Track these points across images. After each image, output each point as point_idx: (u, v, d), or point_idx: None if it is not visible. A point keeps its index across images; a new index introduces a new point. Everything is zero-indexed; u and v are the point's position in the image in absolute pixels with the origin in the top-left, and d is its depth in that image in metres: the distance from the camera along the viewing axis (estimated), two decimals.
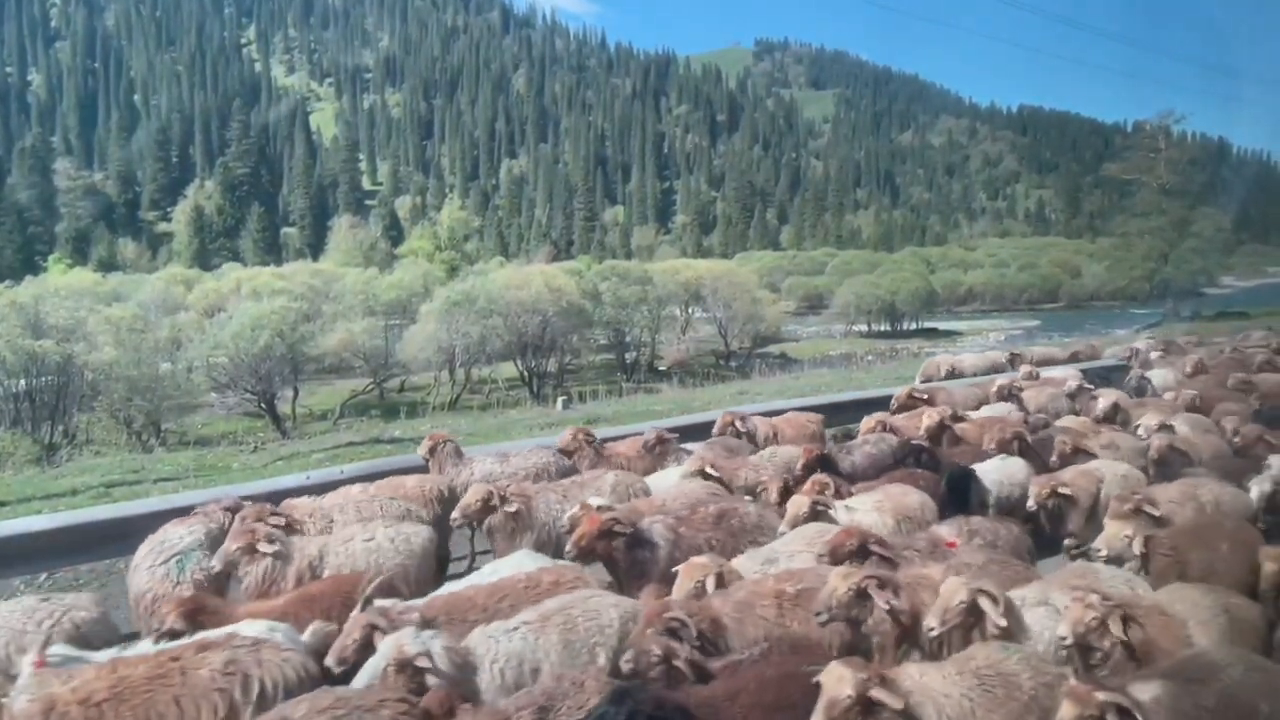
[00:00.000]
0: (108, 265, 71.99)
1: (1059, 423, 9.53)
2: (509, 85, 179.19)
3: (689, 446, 8.53)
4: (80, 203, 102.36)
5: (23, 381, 23.65)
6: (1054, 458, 7.81)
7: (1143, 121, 50.83)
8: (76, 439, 22.29)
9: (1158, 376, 12.97)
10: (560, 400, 22.11)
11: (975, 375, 15.01)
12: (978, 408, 11.05)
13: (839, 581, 4.35)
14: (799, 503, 6.05)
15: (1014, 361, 16.20)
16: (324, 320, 29.61)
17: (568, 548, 5.42)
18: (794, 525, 5.85)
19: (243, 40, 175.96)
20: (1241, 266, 60.71)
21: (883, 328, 54.29)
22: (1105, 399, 10.08)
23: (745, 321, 40.32)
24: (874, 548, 5.03)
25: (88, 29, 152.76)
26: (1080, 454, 7.86)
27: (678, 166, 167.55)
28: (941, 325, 56.75)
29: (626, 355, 37.19)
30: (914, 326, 55.25)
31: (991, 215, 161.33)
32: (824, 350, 42.56)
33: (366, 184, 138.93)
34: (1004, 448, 7.96)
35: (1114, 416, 9.79)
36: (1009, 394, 11.27)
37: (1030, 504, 6.73)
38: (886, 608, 4.29)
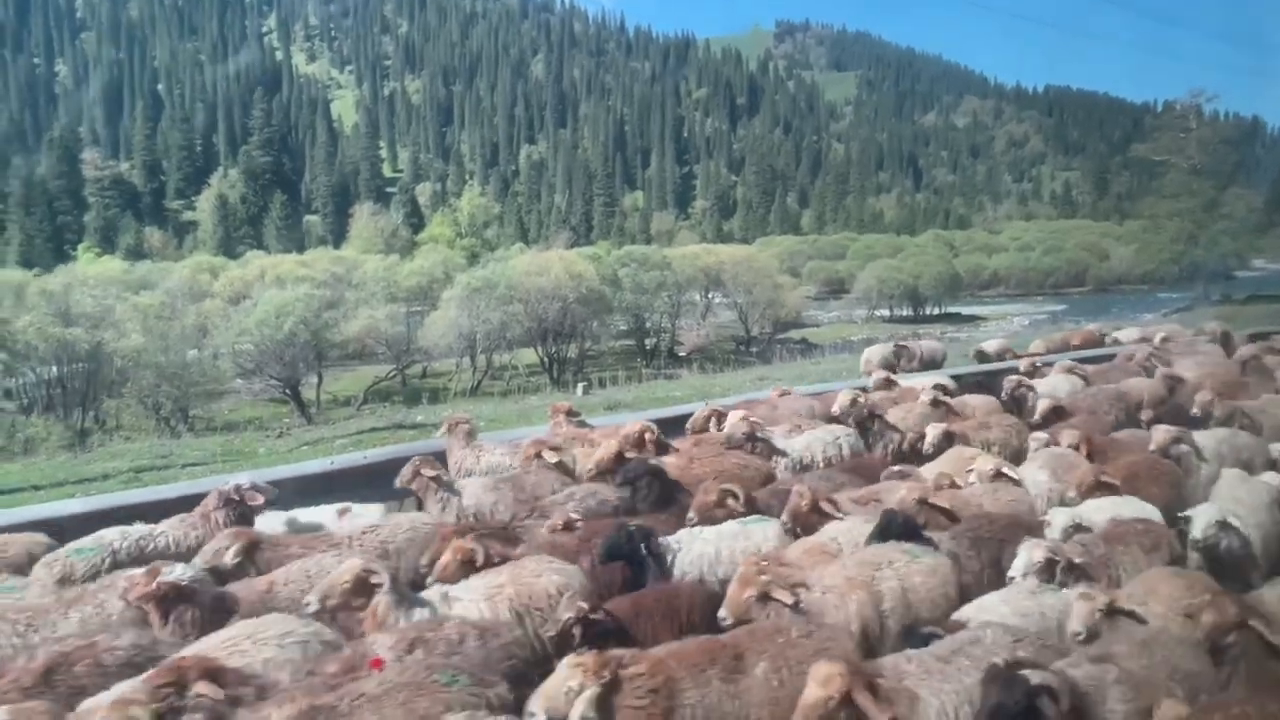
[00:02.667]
0: (135, 254, 73.05)
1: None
2: (528, 70, 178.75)
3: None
4: (107, 192, 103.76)
5: (54, 369, 24.19)
6: (784, 517, 5.78)
7: (1173, 101, 49.75)
8: (107, 425, 22.73)
9: (1050, 384, 10.83)
10: (580, 386, 22.22)
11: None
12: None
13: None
14: None
15: (900, 355, 14.68)
16: (346, 307, 29.87)
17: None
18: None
19: (263, 29, 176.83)
20: (1273, 249, 59.10)
21: (905, 312, 53.83)
22: (932, 431, 8.00)
23: (766, 307, 40.14)
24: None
25: (112, 19, 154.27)
26: (815, 515, 5.77)
27: (697, 151, 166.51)
28: (965, 310, 56.14)
29: (646, 341, 37.21)
30: (937, 311, 54.72)
31: (1016, 198, 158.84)
32: (845, 335, 42.28)
33: (387, 171, 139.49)
34: (703, 513, 5.98)
35: (944, 447, 7.79)
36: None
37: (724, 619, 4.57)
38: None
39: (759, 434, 7.88)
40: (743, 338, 40.20)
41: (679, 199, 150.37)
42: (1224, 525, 5.42)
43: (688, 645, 4.06)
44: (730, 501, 6.09)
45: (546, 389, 25.47)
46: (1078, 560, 4.99)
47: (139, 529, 5.92)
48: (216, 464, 10.75)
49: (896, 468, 7.13)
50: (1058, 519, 5.79)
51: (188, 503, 6.45)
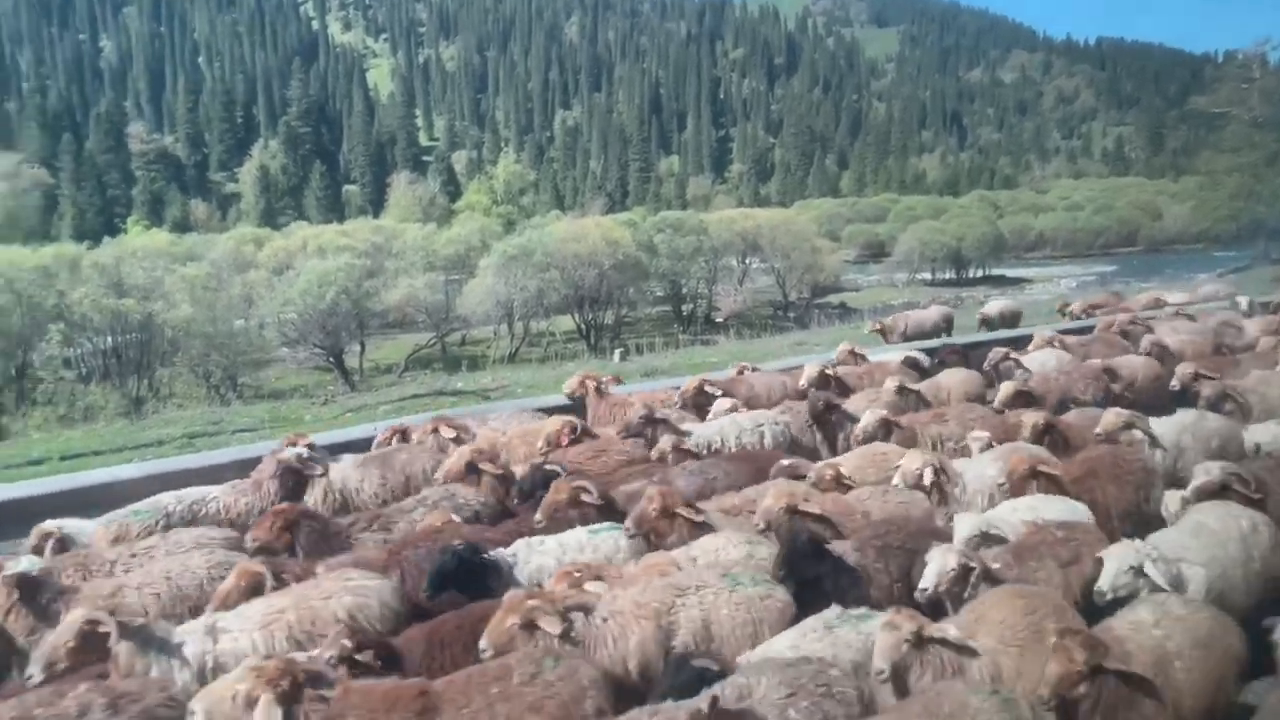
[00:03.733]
0: (181, 226, 74.56)
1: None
2: (561, 34, 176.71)
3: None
4: (153, 165, 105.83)
5: (109, 339, 25.04)
6: (628, 523, 5.19)
7: (1236, 51, 47.45)
8: (160, 393, 23.48)
9: (1037, 359, 9.87)
10: (617, 353, 22.28)
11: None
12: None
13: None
14: None
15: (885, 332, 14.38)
16: (386, 276, 30.26)
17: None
18: None
19: None
20: None
21: (947, 275, 52.71)
22: (868, 417, 7.07)
23: (804, 271, 39.63)
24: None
25: None
26: (667, 520, 5.13)
27: (734, 113, 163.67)
28: (1010, 272, 54.78)
29: (683, 307, 37.09)
30: (980, 274, 53.50)
31: (1065, 155, 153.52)
32: (885, 299, 41.63)
33: (423, 139, 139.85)
34: (550, 513, 5.35)
35: (883, 435, 6.97)
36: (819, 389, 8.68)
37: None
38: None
39: (658, 416, 7.20)
40: (780, 303, 39.82)
41: (715, 163, 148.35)
42: (1138, 573, 4.26)
43: (383, 685, 3.56)
44: (586, 498, 5.37)
45: (584, 355, 25.60)
46: (997, 567, 4.41)
47: (192, 493, 6.15)
48: (265, 430, 11.06)
49: (786, 462, 6.29)
50: (961, 526, 4.91)
51: (239, 467, 6.70)
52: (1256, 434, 6.77)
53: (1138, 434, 6.46)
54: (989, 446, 6.47)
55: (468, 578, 4.51)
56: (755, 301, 40.38)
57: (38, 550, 5.46)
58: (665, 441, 6.87)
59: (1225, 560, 4.57)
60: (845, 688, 3.53)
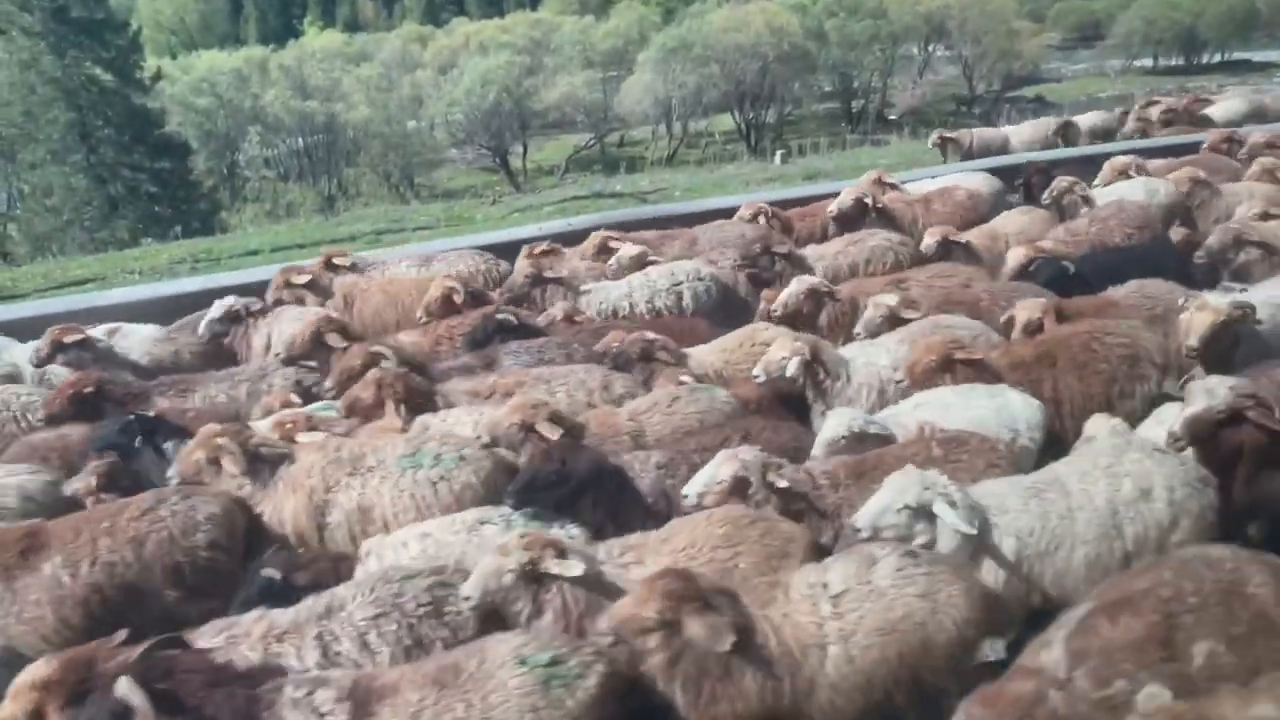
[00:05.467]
0: (352, 25, 76.18)
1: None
2: None
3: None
4: None
5: (300, 140, 26.99)
6: (340, 405, 4.71)
7: None
8: (349, 192, 25.45)
9: (1120, 191, 7.43)
10: (779, 154, 21.35)
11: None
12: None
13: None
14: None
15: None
16: (545, 74, 30.10)
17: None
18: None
19: None
20: None
21: (1174, 62, 44.93)
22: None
23: (997, 59, 35.08)
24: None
25: None
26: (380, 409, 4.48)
27: None
28: (1257, 56, 45.76)
29: (853, 103, 34.49)
30: (1218, 58, 45.13)
31: None
32: (1091, 91, 36.44)
33: None
34: (353, 410, 4.58)
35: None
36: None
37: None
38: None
39: (547, 275, 6.17)
40: (965, 97, 35.93)
41: None
42: (917, 514, 3.15)
43: None
44: (387, 393, 4.55)
45: (743, 157, 24.77)
46: (783, 485, 3.46)
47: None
48: (441, 229, 11.83)
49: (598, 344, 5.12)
50: (829, 425, 3.97)
51: (419, 259, 7.25)
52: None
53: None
54: (892, 319, 5.09)
55: (128, 447, 4.21)
56: (936, 96, 36.66)
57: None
58: (556, 308, 5.89)
59: (1064, 538, 3.24)
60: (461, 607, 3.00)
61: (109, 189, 21.27)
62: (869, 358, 4.74)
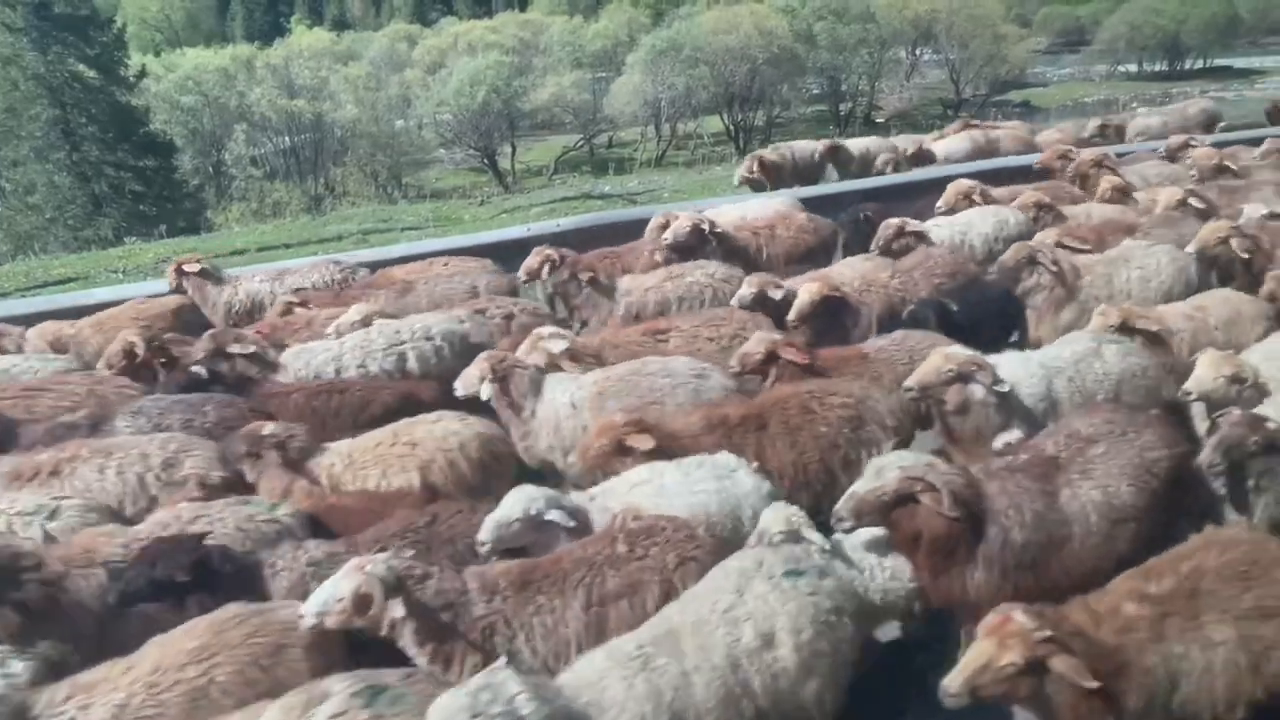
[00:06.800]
0: (340, 24, 75.77)
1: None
2: None
3: None
4: None
5: (286, 139, 26.82)
6: None
7: None
8: (335, 191, 25.31)
9: (965, 223, 7.02)
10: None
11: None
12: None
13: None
14: None
15: (832, 157, 10.79)
16: (534, 75, 30.08)
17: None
18: None
19: None
20: None
21: (1158, 67, 45.39)
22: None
23: (983, 63, 35.30)
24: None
25: None
26: None
27: None
28: (1238, 62, 46.28)
29: (841, 106, 34.60)
30: (1200, 64, 45.62)
31: None
32: (1077, 95, 36.82)
33: None
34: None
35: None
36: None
37: None
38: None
39: (225, 343, 5.17)
40: (952, 100, 36.14)
41: None
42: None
43: None
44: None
45: (732, 159, 24.82)
46: (417, 598, 3.00)
47: None
48: (430, 229, 11.79)
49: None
50: (506, 504, 3.41)
51: (409, 263, 7.21)
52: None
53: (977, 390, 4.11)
54: (569, 358, 4.76)
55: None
56: (923, 99, 36.89)
57: None
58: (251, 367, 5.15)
59: (685, 713, 2.73)
60: None
61: (92, 187, 21.05)
62: (553, 394, 4.47)
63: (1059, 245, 5.88)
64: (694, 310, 5.81)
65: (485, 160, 28.00)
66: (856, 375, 4.53)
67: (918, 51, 37.77)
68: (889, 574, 3.32)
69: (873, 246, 6.62)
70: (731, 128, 29.93)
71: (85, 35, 21.31)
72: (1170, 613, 2.79)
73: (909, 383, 4.11)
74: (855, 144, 11.37)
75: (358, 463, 4.12)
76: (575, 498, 3.60)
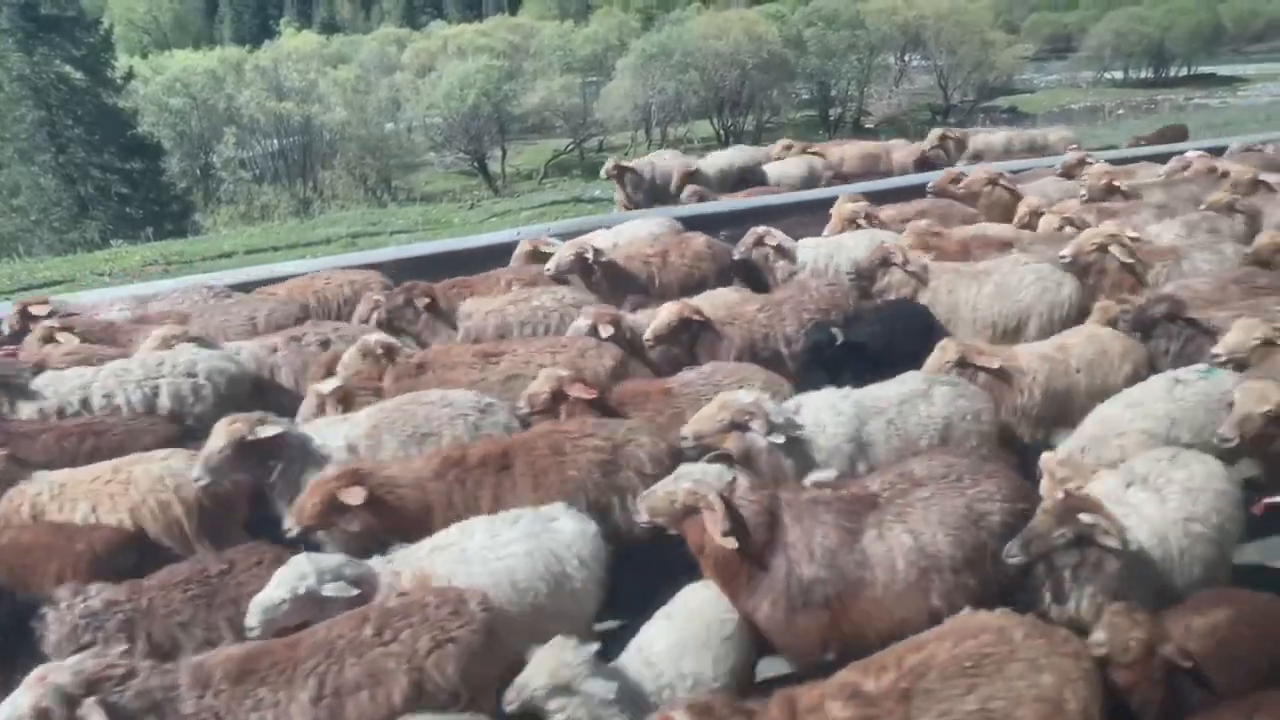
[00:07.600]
0: (329, 26, 75.57)
1: None
2: None
3: None
4: None
5: (275, 141, 26.67)
6: None
7: None
8: (324, 194, 25.18)
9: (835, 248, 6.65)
10: None
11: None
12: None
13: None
14: None
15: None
16: (525, 78, 30.07)
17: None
18: None
19: None
20: None
21: (1143, 74, 45.85)
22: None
23: (971, 69, 35.63)
24: None
25: None
26: None
27: None
28: (1222, 70, 46.81)
29: (830, 111, 34.81)
30: (1185, 72, 46.12)
31: None
32: (1064, 102, 37.19)
33: None
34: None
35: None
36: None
37: None
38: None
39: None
40: (940, 106, 36.40)
41: None
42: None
43: None
44: None
45: None
46: (115, 700, 2.66)
47: None
48: (419, 232, 11.76)
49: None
50: (275, 580, 3.07)
51: (400, 266, 7.19)
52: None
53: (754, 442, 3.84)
54: (340, 402, 4.47)
55: None
56: (911, 105, 37.14)
57: None
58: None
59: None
60: None
61: (78, 189, 20.87)
62: (324, 438, 4.01)
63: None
64: (537, 335, 5.44)
65: (475, 164, 27.96)
66: (657, 412, 4.21)
67: (906, 57, 38.06)
68: (690, 683, 2.92)
69: (735, 253, 6.50)
70: (722, 132, 30.03)
71: (71, 36, 21.15)
72: (875, 717, 2.46)
73: (684, 431, 3.84)
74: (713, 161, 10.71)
75: (68, 494, 3.72)
76: (372, 562, 3.23)
